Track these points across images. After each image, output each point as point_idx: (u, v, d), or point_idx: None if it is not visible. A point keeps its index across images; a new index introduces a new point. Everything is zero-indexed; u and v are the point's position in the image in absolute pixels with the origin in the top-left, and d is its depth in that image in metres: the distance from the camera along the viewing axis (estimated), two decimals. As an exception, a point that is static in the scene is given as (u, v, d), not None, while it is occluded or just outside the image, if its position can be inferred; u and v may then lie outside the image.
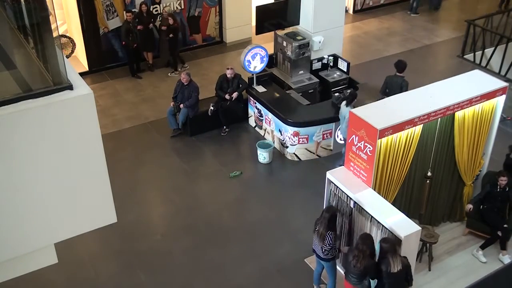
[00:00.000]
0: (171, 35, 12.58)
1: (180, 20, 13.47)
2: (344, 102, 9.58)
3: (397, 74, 9.93)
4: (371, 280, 6.56)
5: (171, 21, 12.55)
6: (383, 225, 6.68)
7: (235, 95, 10.68)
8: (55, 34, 3.59)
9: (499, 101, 7.79)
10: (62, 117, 3.50)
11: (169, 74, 13.01)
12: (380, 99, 8.41)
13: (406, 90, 9.34)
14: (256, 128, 11.18)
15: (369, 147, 6.88)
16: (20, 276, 4.30)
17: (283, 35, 11.28)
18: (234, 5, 14.13)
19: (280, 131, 10.35)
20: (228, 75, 10.66)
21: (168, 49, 12.92)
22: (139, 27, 12.35)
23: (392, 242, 6.32)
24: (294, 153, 10.27)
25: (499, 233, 7.89)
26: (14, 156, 3.45)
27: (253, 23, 11.60)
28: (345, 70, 11.50)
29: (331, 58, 11.57)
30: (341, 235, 7.38)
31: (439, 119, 7.33)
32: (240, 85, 10.79)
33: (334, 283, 7.28)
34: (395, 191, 7.42)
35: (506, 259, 7.98)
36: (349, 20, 15.64)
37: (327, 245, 6.89)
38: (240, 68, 11.01)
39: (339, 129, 9.96)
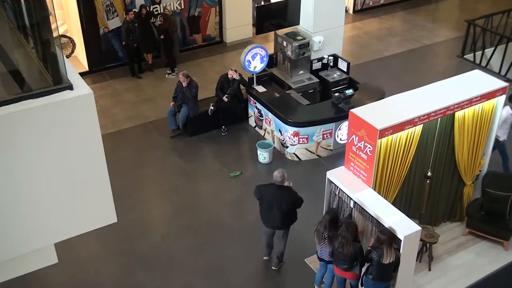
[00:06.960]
0: (162, 36, 12.67)
1: (180, 20, 13.49)
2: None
3: None
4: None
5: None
6: (383, 225, 6.68)
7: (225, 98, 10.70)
8: (55, 34, 3.59)
9: (499, 101, 7.79)
10: (62, 117, 3.50)
11: (166, 75, 12.99)
12: None
13: None
14: (256, 128, 11.18)
15: (369, 147, 6.88)
16: (20, 276, 4.30)
17: (283, 35, 11.28)
18: (234, 5, 14.12)
19: (280, 131, 10.35)
20: (229, 75, 10.66)
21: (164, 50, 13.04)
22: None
23: (390, 234, 6.49)
24: (294, 153, 10.27)
25: None
26: (14, 156, 3.45)
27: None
28: (345, 70, 11.48)
29: (331, 58, 11.56)
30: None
31: (439, 119, 7.33)
32: (240, 85, 10.82)
33: (332, 280, 7.35)
34: (395, 191, 7.42)
35: None
36: (349, 20, 15.63)
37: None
38: (240, 68, 11.01)
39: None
